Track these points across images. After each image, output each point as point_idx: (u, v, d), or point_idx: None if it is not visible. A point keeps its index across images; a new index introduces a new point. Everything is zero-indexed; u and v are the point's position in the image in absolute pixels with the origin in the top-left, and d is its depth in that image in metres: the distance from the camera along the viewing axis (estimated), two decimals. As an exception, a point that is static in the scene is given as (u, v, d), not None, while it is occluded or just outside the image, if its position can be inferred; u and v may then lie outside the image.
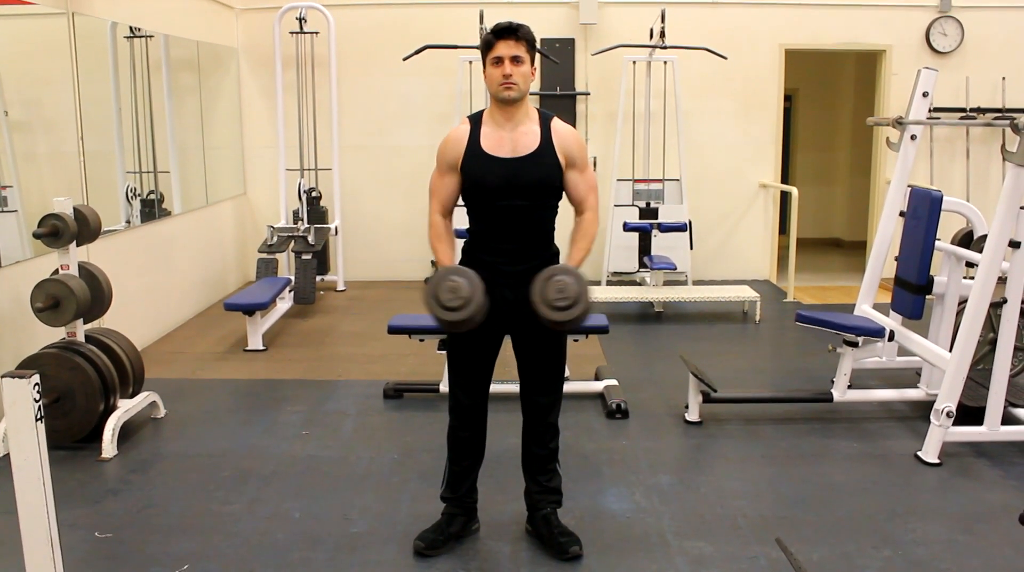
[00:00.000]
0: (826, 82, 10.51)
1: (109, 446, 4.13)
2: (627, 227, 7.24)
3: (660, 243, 7.45)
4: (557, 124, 3.08)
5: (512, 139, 3.01)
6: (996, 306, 4.24)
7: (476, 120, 3.08)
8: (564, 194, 3.13)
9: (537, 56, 3.16)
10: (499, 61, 2.97)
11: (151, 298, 6.25)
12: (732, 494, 3.74)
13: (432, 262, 8.22)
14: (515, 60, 2.96)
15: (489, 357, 3.20)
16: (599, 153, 8.14)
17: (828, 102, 10.62)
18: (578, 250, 3.09)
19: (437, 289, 2.88)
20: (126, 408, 4.34)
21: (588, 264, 8.06)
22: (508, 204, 3.02)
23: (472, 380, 3.20)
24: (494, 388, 3.33)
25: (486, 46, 3.01)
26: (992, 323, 4.75)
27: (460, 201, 3.17)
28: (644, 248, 7.35)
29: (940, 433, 4.06)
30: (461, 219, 3.16)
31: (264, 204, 8.29)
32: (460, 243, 3.22)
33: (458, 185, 3.10)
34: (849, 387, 4.68)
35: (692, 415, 4.60)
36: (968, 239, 5.05)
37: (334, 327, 6.77)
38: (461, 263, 3.16)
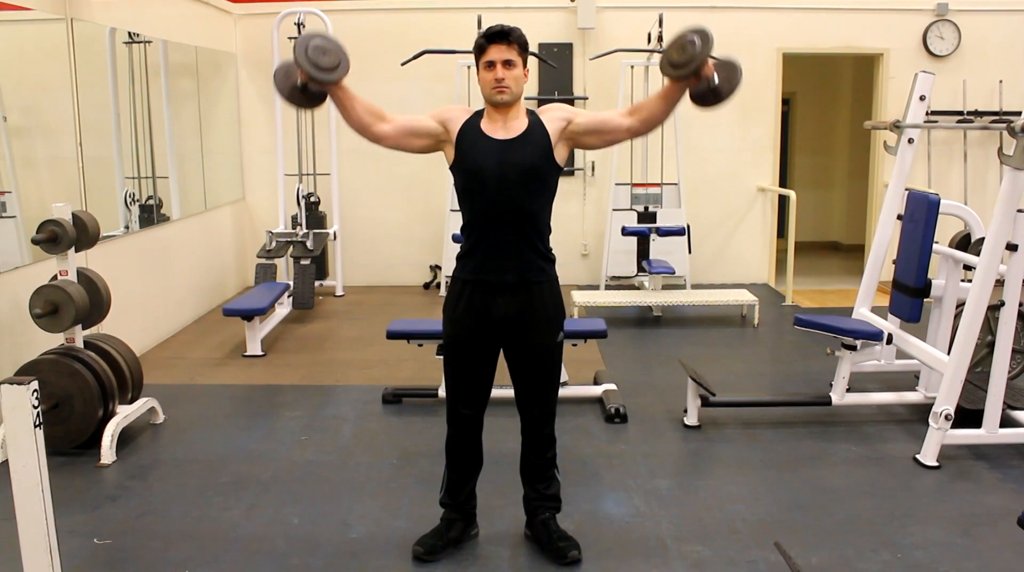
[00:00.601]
0: (824, 86, 10.52)
1: (108, 452, 4.13)
2: (625, 231, 7.24)
3: (658, 247, 7.46)
4: (542, 109, 3.11)
5: (505, 128, 3.03)
6: (994, 309, 4.24)
7: (479, 112, 3.11)
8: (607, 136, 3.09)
9: (530, 58, 3.16)
10: (491, 65, 2.98)
11: (150, 304, 6.25)
12: (731, 498, 3.74)
13: (431, 267, 8.25)
14: (507, 64, 2.97)
15: (486, 371, 3.19)
16: (597, 157, 8.16)
17: (826, 106, 10.63)
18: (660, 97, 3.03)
19: (309, 52, 2.87)
20: (125, 414, 4.34)
21: (586, 269, 8.02)
22: (501, 190, 2.98)
23: (469, 392, 3.20)
24: (493, 393, 3.32)
25: (478, 50, 3.02)
26: (990, 326, 4.76)
27: (456, 205, 3.16)
28: (642, 252, 7.35)
29: (939, 436, 4.06)
30: (457, 223, 3.16)
31: (263, 209, 8.29)
32: (455, 250, 3.21)
33: (423, 132, 3.06)
34: (848, 390, 4.68)
35: (691, 419, 4.60)
36: (966, 242, 5.06)
37: (333, 332, 6.77)
38: (454, 274, 3.17)
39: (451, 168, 3.10)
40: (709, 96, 2.96)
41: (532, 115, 3.08)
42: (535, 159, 3.01)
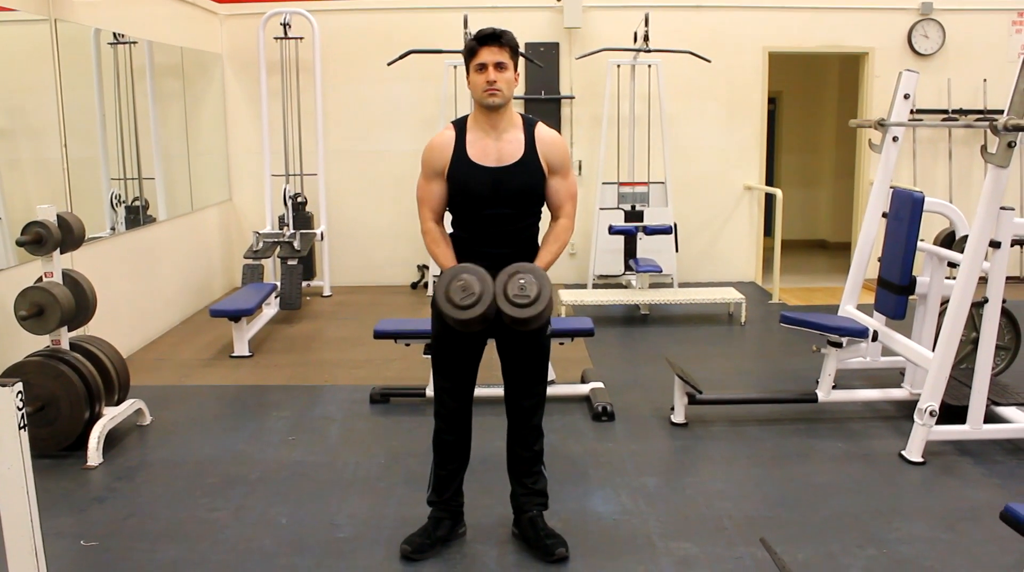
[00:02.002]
0: (810, 85, 10.56)
1: (94, 454, 4.12)
2: (612, 230, 7.25)
3: (645, 246, 7.47)
4: (541, 130, 3.10)
5: (497, 148, 3.03)
6: (978, 305, 4.27)
7: (461, 126, 3.09)
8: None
9: (520, 61, 3.18)
10: (483, 67, 2.99)
11: (136, 305, 6.23)
12: (717, 495, 3.76)
13: (419, 266, 8.24)
14: (499, 66, 2.98)
15: (473, 360, 3.22)
16: (584, 157, 8.17)
17: (812, 105, 10.68)
18: (547, 253, 3.12)
19: (449, 289, 2.90)
20: (111, 416, 4.32)
21: (574, 267, 8.07)
22: (494, 212, 3.04)
23: (457, 383, 3.21)
24: (479, 392, 3.34)
25: (469, 52, 3.03)
26: (974, 322, 4.80)
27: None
28: (630, 251, 7.37)
29: (924, 432, 4.09)
30: (447, 223, 3.18)
31: (249, 210, 8.27)
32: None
33: (445, 190, 3.11)
34: (834, 387, 4.71)
35: (678, 417, 4.62)
36: (950, 239, 5.09)
37: (320, 332, 6.76)
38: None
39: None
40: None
41: (528, 128, 3.08)
42: (528, 185, 3.06)
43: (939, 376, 4.07)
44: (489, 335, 3.19)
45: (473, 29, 5.01)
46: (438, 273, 3.72)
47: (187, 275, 7.27)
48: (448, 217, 3.19)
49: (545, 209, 3.17)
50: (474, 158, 3.03)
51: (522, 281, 2.89)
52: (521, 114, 3.13)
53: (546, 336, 3.21)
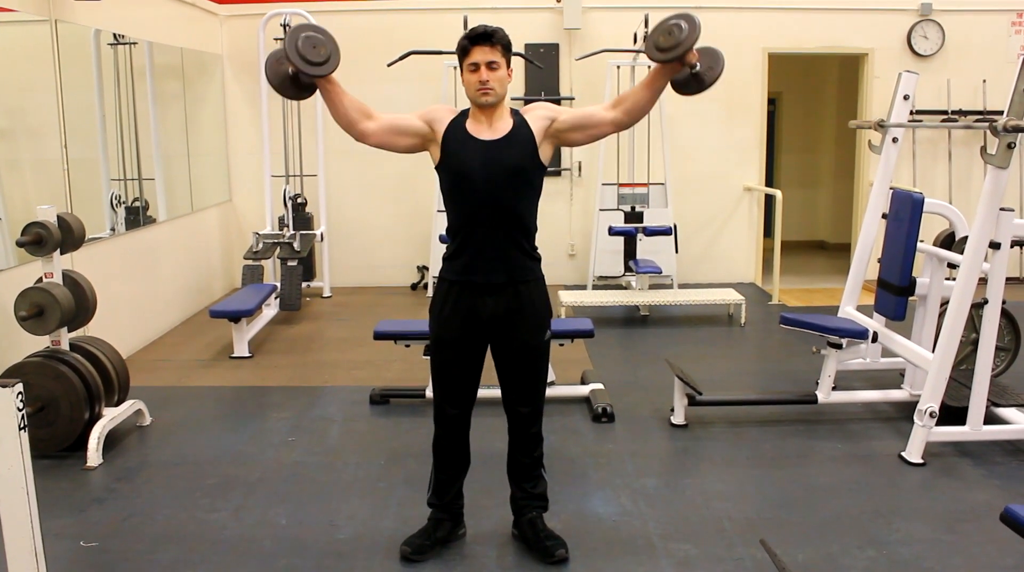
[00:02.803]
0: (809, 85, 10.57)
1: (94, 455, 4.12)
2: (612, 231, 7.25)
3: (645, 247, 7.47)
4: (526, 108, 3.12)
5: (491, 130, 3.04)
6: (978, 307, 4.27)
7: (464, 112, 3.11)
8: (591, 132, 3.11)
9: (516, 58, 3.17)
10: (475, 67, 2.99)
11: (136, 306, 6.23)
12: (717, 496, 3.76)
13: (419, 267, 8.25)
14: (491, 65, 2.98)
15: (473, 369, 3.20)
16: (584, 158, 8.17)
17: (811, 105, 10.68)
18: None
19: (299, 46, 2.88)
20: (111, 416, 4.32)
21: (573, 268, 8.03)
22: (487, 191, 3.00)
23: (456, 391, 3.20)
24: (480, 393, 3.32)
25: (462, 52, 3.03)
26: (974, 323, 4.79)
27: (442, 205, 3.17)
28: (629, 252, 7.37)
29: (923, 433, 4.09)
30: (443, 223, 3.17)
31: (249, 210, 8.27)
32: (442, 250, 3.22)
33: (409, 130, 3.07)
34: (833, 388, 4.70)
35: (677, 418, 4.61)
36: (950, 240, 5.09)
37: (320, 333, 6.76)
38: (440, 275, 3.17)
39: (437, 168, 3.11)
40: (692, 83, 2.99)
41: (517, 115, 3.08)
42: (521, 159, 3.02)
43: (939, 377, 4.07)
44: (487, 343, 3.17)
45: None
46: (437, 275, 3.71)
47: (187, 276, 7.26)
48: (442, 217, 3.18)
49: (544, 208, 3.15)
50: (469, 130, 3.04)
51: (668, 26, 2.90)
52: (513, 109, 3.12)
53: (544, 342, 3.20)
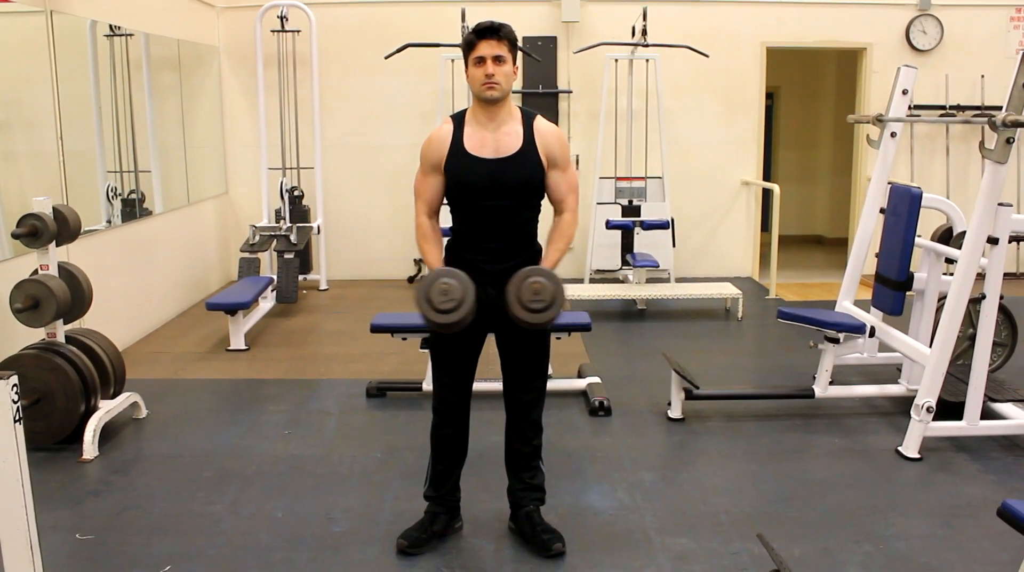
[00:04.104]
0: (807, 80, 10.56)
1: (90, 447, 4.11)
2: (610, 225, 7.25)
3: (643, 241, 7.47)
4: (540, 123, 3.08)
5: (495, 140, 3.02)
6: (975, 302, 4.27)
7: (459, 120, 3.08)
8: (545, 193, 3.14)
9: (519, 54, 3.16)
10: (481, 61, 2.97)
11: (132, 298, 6.22)
12: (714, 490, 3.76)
13: (415, 260, 8.23)
14: (497, 60, 2.97)
15: (472, 355, 3.21)
16: (581, 151, 8.16)
17: (809, 100, 10.68)
18: (555, 251, 3.09)
19: (429, 291, 2.89)
20: (107, 409, 4.31)
21: (571, 262, 8.05)
22: (492, 204, 3.03)
23: (456, 378, 3.21)
24: (477, 386, 3.33)
25: (468, 46, 3.01)
26: (971, 319, 4.80)
27: (445, 200, 3.17)
28: (627, 246, 7.37)
29: (920, 428, 4.09)
30: (445, 218, 3.16)
31: (246, 203, 8.25)
32: (444, 241, 3.22)
33: (442, 185, 3.10)
34: (830, 383, 4.70)
35: (675, 412, 4.61)
36: (948, 235, 5.09)
37: (317, 326, 6.75)
38: (445, 261, 3.16)
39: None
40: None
41: (527, 121, 3.06)
42: (528, 178, 3.04)
43: (936, 372, 4.07)
44: (488, 330, 3.18)
45: (471, 23, 4.98)
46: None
47: (183, 268, 7.25)
48: (447, 213, 3.18)
49: (546, 203, 3.16)
50: (471, 150, 3.02)
51: (536, 286, 2.86)
52: (520, 107, 3.12)
53: (547, 331, 3.20)
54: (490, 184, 3.00)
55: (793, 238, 10.26)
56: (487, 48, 2.97)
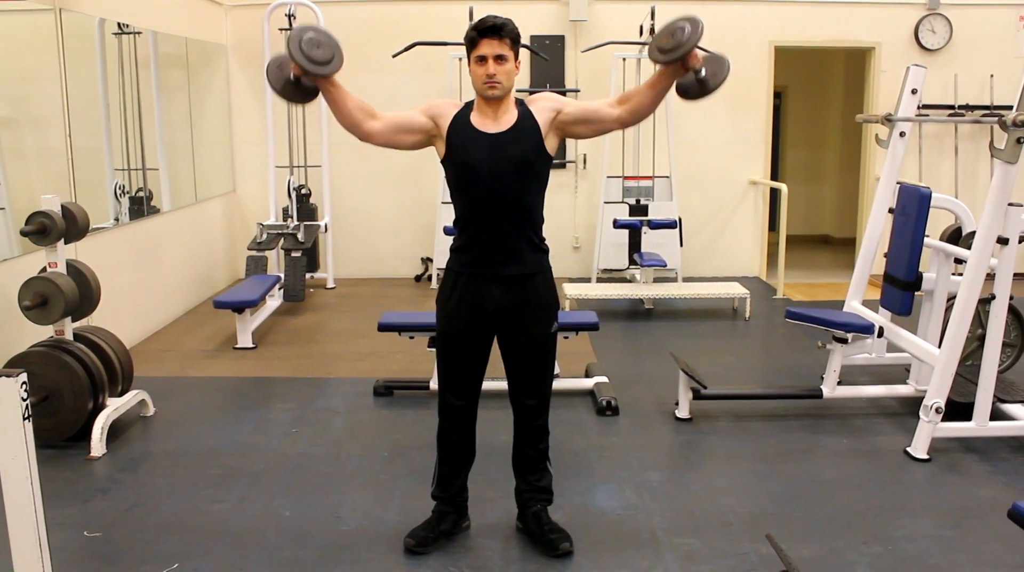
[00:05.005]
0: (816, 79, 10.53)
1: (98, 445, 4.11)
2: (617, 224, 7.24)
3: (650, 240, 7.46)
4: (530, 99, 3.10)
5: (496, 121, 3.02)
6: (984, 302, 4.25)
7: (468, 104, 3.10)
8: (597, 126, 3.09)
9: (522, 50, 3.15)
10: (483, 60, 2.96)
11: (140, 296, 6.23)
12: (722, 491, 3.75)
13: (423, 258, 8.24)
14: (499, 59, 2.96)
15: (479, 360, 3.19)
16: (589, 150, 8.15)
17: (817, 99, 10.64)
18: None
19: (302, 46, 2.84)
20: (115, 406, 4.32)
21: (578, 261, 8.01)
22: (494, 184, 2.99)
23: (462, 383, 3.20)
24: (485, 385, 3.31)
25: (470, 43, 3.00)
26: (980, 319, 4.78)
27: (447, 197, 3.16)
28: (634, 245, 7.35)
29: (929, 429, 4.07)
30: (448, 215, 3.15)
31: (253, 201, 8.26)
32: (448, 242, 3.21)
33: (414, 127, 3.06)
34: (839, 383, 4.69)
35: (682, 412, 4.60)
36: (957, 236, 5.07)
37: (324, 324, 6.76)
38: (448, 266, 3.15)
39: (443, 162, 3.10)
40: (695, 87, 2.97)
41: (521, 106, 3.06)
42: (527, 151, 3.01)
43: (945, 373, 4.06)
44: (493, 334, 3.16)
45: (479, 21, 4.98)
46: (441, 267, 3.70)
47: (191, 266, 7.26)
48: (447, 209, 3.17)
49: (549, 202, 3.14)
50: (474, 124, 3.02)
51: (671, 27, 2.86)
52: (517, 99, 3.10)
53: (551, 334, 3.19)
54: (489, 157, 2.97)
55: (801, 238, 10.23)
56: (488, 47, 2.95)
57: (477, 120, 3.03)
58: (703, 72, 2.92)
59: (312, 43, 2.86)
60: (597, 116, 3.06)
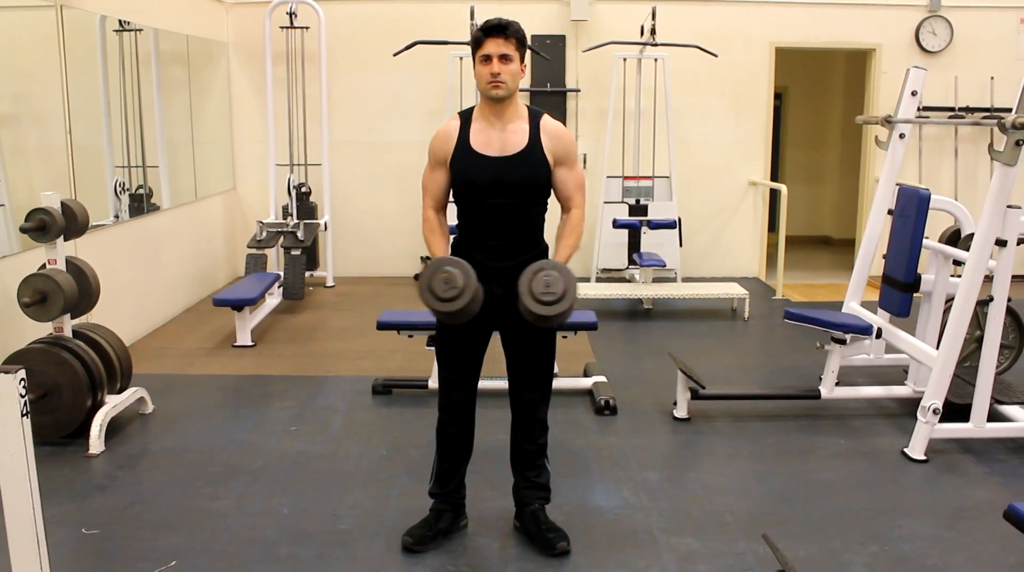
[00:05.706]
0: (816, 80, 10.53)
1: (96, 442, 4.12)
2: (617, 224, 7.24)
3: (650, 240, 7.46)
4: (547, 122, 3.08)
5: (501, 138, 3.02)
6: (983, 304, 4.26)
7: (467, 117, 3.09)
8: (552, 192, 3.13)
9: (528, 52, 3.16)
10: (487, 59, 2.97)
11: (139, 293, 6.23)
12: (720, 490, 3.75)
13: (422, 258, 8.24)
14: (504, 58, 2.96)
15: (478, 352, 3.21)
16: (589, 150, 8.15)
17: (818, 100, 10.65)
18: (565, 247, 3.09)
19: (431, 280, 2.88)
20: (114, 404, 4.32)
21: (577, 261, 8.01)
22: (497, 202, 3.03)
23: (461, 375, 3.21)
24: (483, 384, 3.33)
25: (475, 43, 3.01)
26: (979, 321, 4.78)
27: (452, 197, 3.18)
28: (634, 245, 7.36)
29: (927, 430, 4.08)
30: (451, 215, 3.17)
31: (253, 199, 8.26)
32: (451, 238, 3.22)
33: (449, 181, 3.10)
34: (837, 384, 4.69)
35: (680, 412, 4.61)
36: (956, 237, 5.08)
37: (323, 323, 6.76)
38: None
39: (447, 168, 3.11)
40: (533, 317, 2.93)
41: (533, 120, 3.06)
42: (533, 177, 3.05)
43: (943, 374, 4.06)
44: (493, 327, 3.18)
45: (479, 21, 4.97)
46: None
47: (190, 264, 7.26)
48: (454, 209, 3.18)
49: (553, 201, 3.16)
50: (477, 148, 3.02)
51: (547, 278, 2.85)
52: (528, 106, 3.12)
53: (553, 329, 3.20)
54: (495, 182, 3.00)
55: (800, 238, 10.23)
56: (493, 47, 2.96)
57: (480, 136, 3.03)
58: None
59: (442, 281, 2.87)
60: (562, 193, 3.12)
